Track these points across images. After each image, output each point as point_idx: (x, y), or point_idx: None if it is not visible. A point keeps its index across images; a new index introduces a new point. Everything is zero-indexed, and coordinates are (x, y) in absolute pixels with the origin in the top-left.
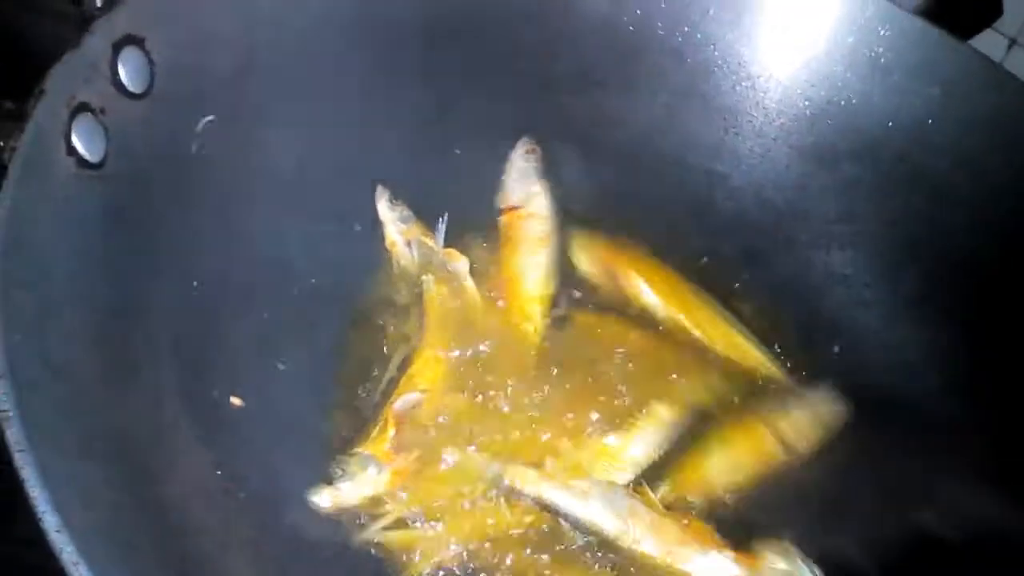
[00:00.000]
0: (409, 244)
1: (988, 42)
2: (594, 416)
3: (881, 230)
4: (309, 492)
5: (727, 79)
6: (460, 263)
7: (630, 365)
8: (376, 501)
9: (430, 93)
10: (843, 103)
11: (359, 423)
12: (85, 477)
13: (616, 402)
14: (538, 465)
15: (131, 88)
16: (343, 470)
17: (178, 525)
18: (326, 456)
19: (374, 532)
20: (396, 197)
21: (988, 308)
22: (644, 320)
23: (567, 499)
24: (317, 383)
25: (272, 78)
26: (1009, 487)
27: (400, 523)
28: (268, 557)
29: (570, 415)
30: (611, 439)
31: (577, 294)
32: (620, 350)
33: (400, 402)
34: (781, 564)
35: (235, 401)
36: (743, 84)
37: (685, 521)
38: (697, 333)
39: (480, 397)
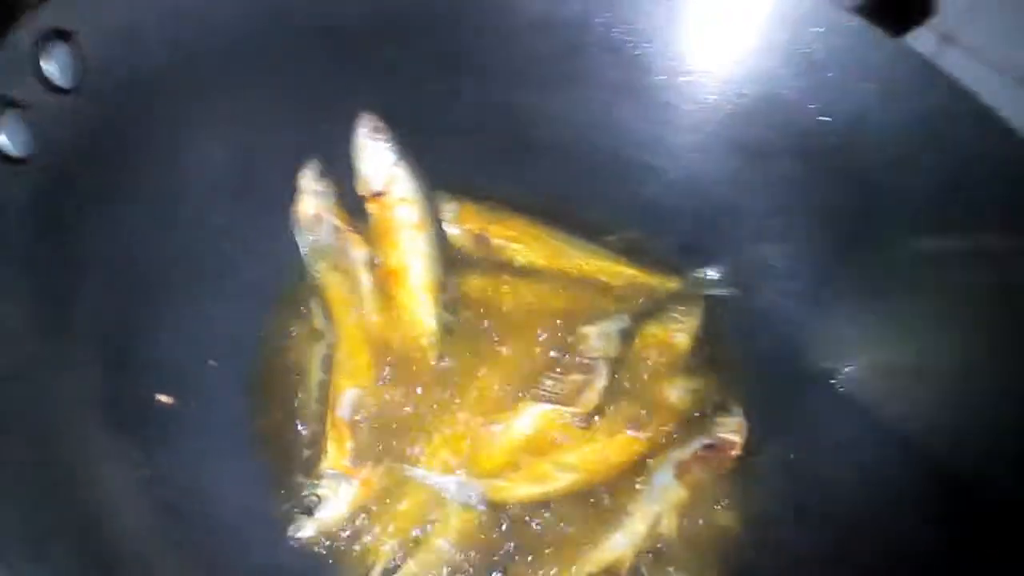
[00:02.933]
0: (320, 220)
1: (921, 40)
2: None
3: (815, 225)
4: (290, 527)
5: (664, 74)
6: (361, 252)
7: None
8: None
9: (363, 89)
10: (778, 98)
11: (289, 423)
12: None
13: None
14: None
15: (59, 83)
16: (318, 496)
17: (100, 524)
18: (256, 452)
19: None
20: (326, 174)
21: (919, 302)
22: (530, 275)
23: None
24: (246, 380)
25: (201, 72)
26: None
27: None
28: (197, 557)
29: (502, 386)
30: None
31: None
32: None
33: (343, 408)
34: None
35: (163, 399)
36: (680, 79)
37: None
38: (583, 271)
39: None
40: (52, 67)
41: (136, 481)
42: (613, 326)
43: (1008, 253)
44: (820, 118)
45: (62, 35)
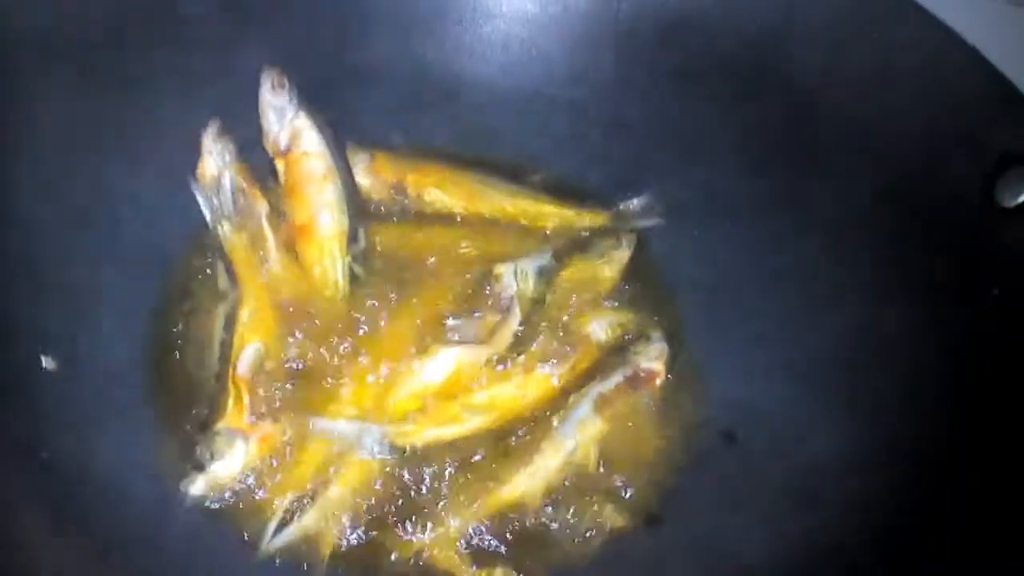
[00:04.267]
0: (221, 179)
1: None
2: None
3: (742, 144)
4: (181, 482)
5: (581, 5)
6: (260, 206)
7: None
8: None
9: (263, 41)
10: (697, 14)
11: (186, 383)
12: None
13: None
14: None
15: None
16: (211, 452)
17: None
18: (151, 420)
19: (278, 542)
20: (226, 133)
21: (849, 217)
22: (450, 221)
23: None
24: (143, 344)
25: (82, 32)
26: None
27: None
28: (74, 514)
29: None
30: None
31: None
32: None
33: (242, 364)
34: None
35: (47, 364)
36: (597, 9)
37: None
38: (506, 213)
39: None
40: None
41: (10, 444)
42: (530, 263)
43: (944, 178)
44: (740, 36)
45: None
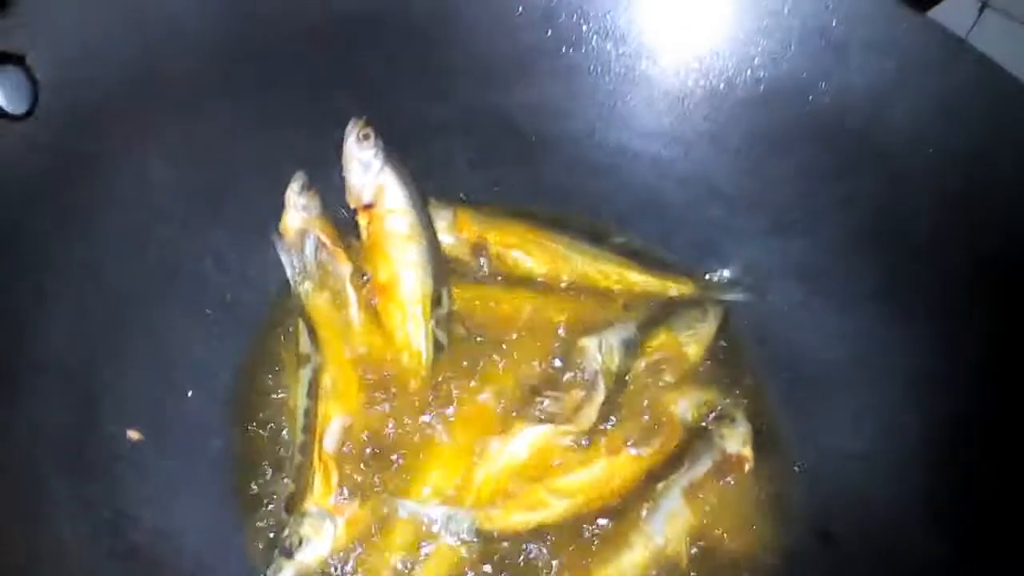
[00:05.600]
0: (305, 235)
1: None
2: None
3: (837, 217)
4: (269, 569)
5: (672, 60)
6: (344, 267)
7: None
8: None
9: (346, 96)
10: (794, 82)
11: (272, 455)
12: None
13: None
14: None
15: (10, 109)
16: (300, 535)
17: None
18: (234, 487)
19: None
20: (312, 186)
21: (950, 295)
22: (531, 284)
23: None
24: (225, 409)
25: (168, 89)
26: None
27: None
28: None
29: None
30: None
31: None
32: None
33: (330, 440)
34: None
35: (133, 435)
36: (690, 64)
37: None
38: (588, 278)
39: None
40: (3, 92)
41: (93, 525)
42: (615, 336)
43: None
44: (840, 101)
45: (13, 58)
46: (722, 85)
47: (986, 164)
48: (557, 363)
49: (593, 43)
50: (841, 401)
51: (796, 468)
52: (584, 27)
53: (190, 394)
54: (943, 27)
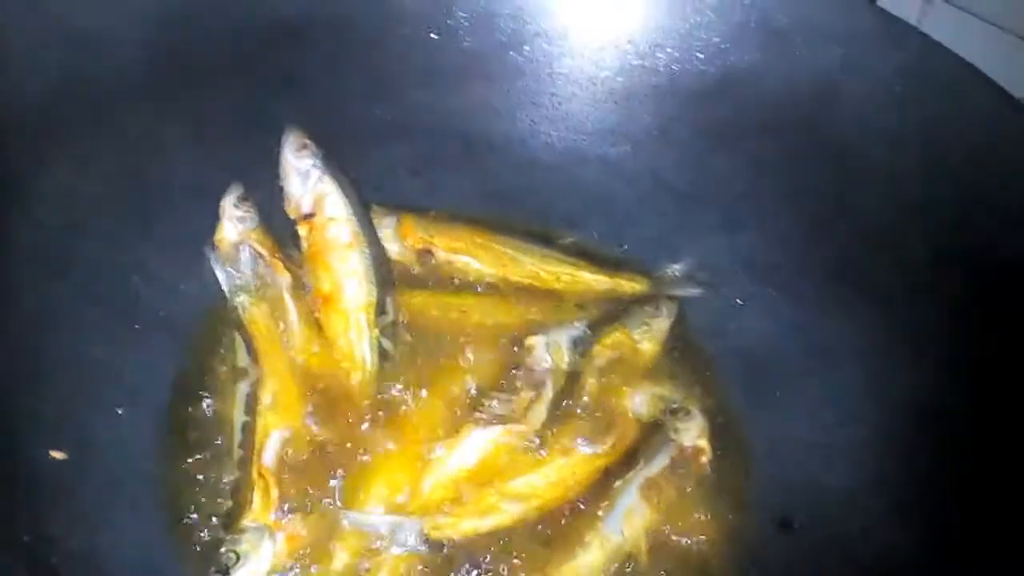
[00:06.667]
0: (239, 247)
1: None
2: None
3: (787, 208)
4: None
5: (613, 57)
6: (282, 276)
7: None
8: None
9: (281, 106)
10: (740, 74)
11: (208, 472)
12: None
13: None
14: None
15: None
16: (237, 553)
17: None
18: (167, 506)
19: None
20: (248, 198)
21: (905, 283)
22: (480, 288)
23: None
24: (158, 427)
25: (87, 100)
26: None
27: None
28: None
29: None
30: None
31: None
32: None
33: (268, 454)
34: None
35: (56, 455)
36: (632, 61)
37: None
38: (538, 279)
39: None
40: None
41: (10, 547)
42: (563, 335)
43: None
44: (786, 91)
45: None
46: (667, 81)
47: (936, 150)
48: (508, 366)
49: (535, 44)
50: (798, 391)
51: (754, 459)
52: (525, 28)
53: (120, 412)
54: (889, 13)
